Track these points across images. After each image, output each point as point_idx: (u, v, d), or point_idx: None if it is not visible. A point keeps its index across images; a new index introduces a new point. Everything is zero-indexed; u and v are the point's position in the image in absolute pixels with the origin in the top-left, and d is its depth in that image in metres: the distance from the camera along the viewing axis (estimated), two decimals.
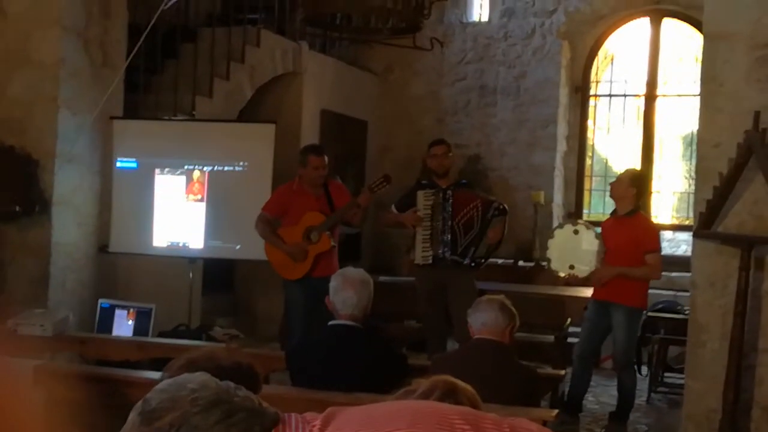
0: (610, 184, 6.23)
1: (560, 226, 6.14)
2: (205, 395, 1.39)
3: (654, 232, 6.06)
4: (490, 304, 3.90)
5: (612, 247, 5.80)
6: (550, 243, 6.01)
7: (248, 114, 8.48)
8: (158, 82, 7.73)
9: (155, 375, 3.33)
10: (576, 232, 5.93)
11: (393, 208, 6.50)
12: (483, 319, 3.87)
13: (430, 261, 6.24)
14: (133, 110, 7.18)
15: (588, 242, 5.85)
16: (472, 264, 6.18)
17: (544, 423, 3.16)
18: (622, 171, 6.36)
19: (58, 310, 5.50)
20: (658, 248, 5.90)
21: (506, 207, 6.35)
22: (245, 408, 1.41)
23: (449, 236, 6.18)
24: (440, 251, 6.20)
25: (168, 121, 7.20)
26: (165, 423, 1.36)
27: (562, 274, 5.96)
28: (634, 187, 5.93)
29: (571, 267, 5.87)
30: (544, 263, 6.22)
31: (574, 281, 6.05)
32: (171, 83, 7.60)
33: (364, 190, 6.19)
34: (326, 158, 6.16)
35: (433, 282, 6.26)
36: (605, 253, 5.81)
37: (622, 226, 5.86)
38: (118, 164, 6.71)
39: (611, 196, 6.19)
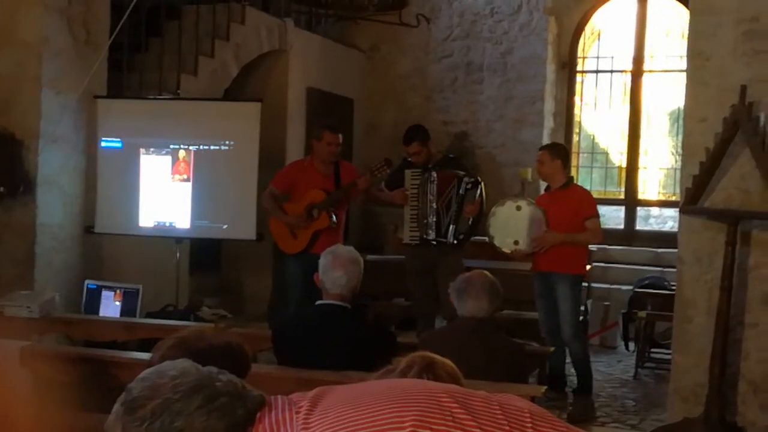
0: (536, 169, 6.18)
1: (501, 203, 6.07)
2: (185, 381, 1.40)
3: (590, 199, 6.09)
4: (480, 293, 3.82)
5: (551, 220, 5.84)
6: (492, 221, 5.99)
7: (234, 92, 8.43)
8: (142, 60, 7.66)
9: (143, 356, 3.33)
10: (519, 208, 5.94)
11: (383, 186, 6.50)
12: (471, 308, 3.82)
13: (418, 241, 6.26)
14: (117, 89, 7.11)
15: (531, 217, 5.86)
16: (455, 241, 6.19)
17: (533, 399, 3.16)
18: (539, 150, 6.27)
19: (44, 292, 5.47)
20: (596, 214, 5.94)
21: (478, 179, 6.33)
22: (227, 392, 1.41)
23: (434, 218, 6.20)
24: (426, 232, 6.22)
25: (153, 100, 7.14)
26: (147, 411, 1.37)
27: (506, 251, 5.97)
28: (557, 159, 5.95)
29: (516, 243, 5.90)
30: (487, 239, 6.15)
31: (519, 256, 6.06)
32: (155, 62, 7.53)
33: (364, 173, 6.19)
34: (341, 137, 6.19)
35: (421, 261, 6.27)
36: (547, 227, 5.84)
37: (558, 198, 5.91)
38: (103, 144, 6.66)
39: (542, 179, 6.15)
